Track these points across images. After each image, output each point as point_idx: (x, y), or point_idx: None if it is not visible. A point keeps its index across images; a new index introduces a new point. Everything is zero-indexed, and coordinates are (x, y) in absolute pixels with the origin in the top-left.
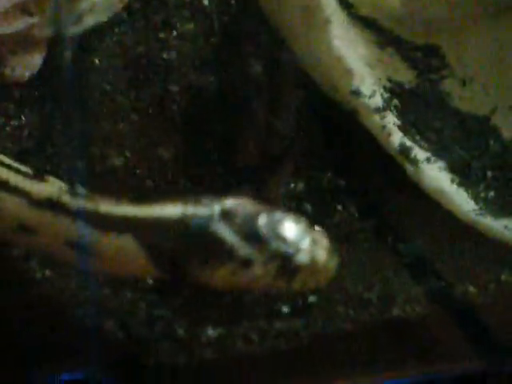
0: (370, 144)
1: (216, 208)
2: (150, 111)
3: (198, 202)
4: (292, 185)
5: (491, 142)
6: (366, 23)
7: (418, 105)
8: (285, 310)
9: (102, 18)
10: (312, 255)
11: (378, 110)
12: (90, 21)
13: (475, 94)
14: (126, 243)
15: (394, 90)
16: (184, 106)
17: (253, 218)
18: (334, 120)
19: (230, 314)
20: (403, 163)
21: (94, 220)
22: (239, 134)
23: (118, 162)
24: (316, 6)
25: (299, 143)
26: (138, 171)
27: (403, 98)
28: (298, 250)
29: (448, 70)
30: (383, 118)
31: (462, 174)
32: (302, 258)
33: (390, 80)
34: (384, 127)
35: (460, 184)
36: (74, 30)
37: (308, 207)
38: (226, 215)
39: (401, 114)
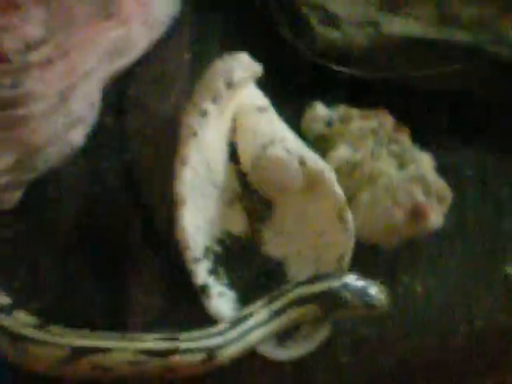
0: None
1: None
2: None
3: None
4: None
5: (275, 285)
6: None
7: (236, 250)
8: None
9: None
10: None
11: (196, 260)
12: None
13: (283, 241)
14: None
15: (223, 240)
16: None
17: None
18: None
19: None
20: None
21: None
22: None
23: None
24: (174, 188)
25: None
26: None
27: (227, 246)
28: None
29: (270, 222)
30: (198, 264)
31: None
32: None
33: (221, 230)
34: (192, 271)
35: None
36: None
37: None
38: None
39: (219, 259)
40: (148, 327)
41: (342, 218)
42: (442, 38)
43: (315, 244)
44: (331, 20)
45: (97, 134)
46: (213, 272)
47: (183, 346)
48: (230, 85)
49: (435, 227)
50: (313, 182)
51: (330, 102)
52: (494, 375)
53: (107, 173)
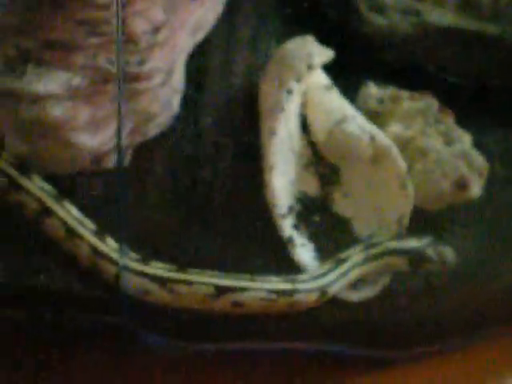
0: None
1: None
2: None
3: None
4: None
5: (341, 237)
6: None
7: (313, 208)
8: None
9: None
10: None
11: (282, 216)
12: None
13: (350, 203)
14: None
15: (301, 199)
16: None
17: None
18: None
19: None
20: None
21: None
22: None
23: None
24: (264, 155)
25: None
26: None
27: (305, 204)
28: None
29: (339, 185)
30: (284, 220)
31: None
32: None
33: (299, 191)
34: (279, 225)
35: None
36: None
37: None
38: None
39: (300, 215)
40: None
41: (403, 186)
42: (471, 29)
43: (379, 206)
44: (378, 7)
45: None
46: (295, 226)
47: (303, 286)
48: (310, 67)
49: (475, 196)
50: (380, 155)
51: (377, 83)
52: None
53: (199, 136)
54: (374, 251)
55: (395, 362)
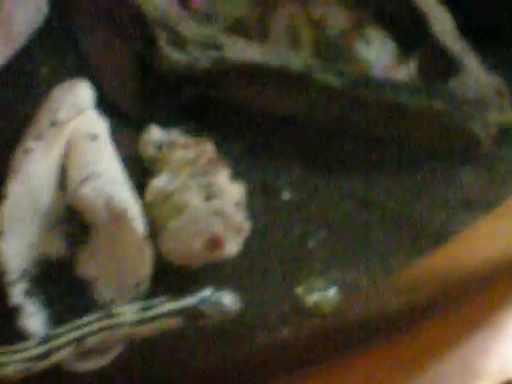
0: None
1: None
2: None
3: None
4: None
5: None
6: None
7: (53, 271)
8: None
9: None
10: None
11: (11, 283)
12: None
13: (95, 264)
14: None
15: (41, 262)
16: None
17: None
18: None
19: None
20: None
21: None
22: None
23: None
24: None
25: None
26: None
27: (46, 268)
28: None
29: (86, 247)
30: (13, 287)
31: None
32: None
33: (41, 253)
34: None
35: None
36: None
37: None
38: None
39: (37, 280)
40: None
41: (140, 251)
42: (277, 64)
43: (119, 270)
44: (178, 41)
45: None
46: (29, 292)
47: (58, 341)
48: (54, 123)
49: (230, 255)
50: (117, 218)
51: (171, 123)
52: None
53: None
54: (148, 314)
55: None
